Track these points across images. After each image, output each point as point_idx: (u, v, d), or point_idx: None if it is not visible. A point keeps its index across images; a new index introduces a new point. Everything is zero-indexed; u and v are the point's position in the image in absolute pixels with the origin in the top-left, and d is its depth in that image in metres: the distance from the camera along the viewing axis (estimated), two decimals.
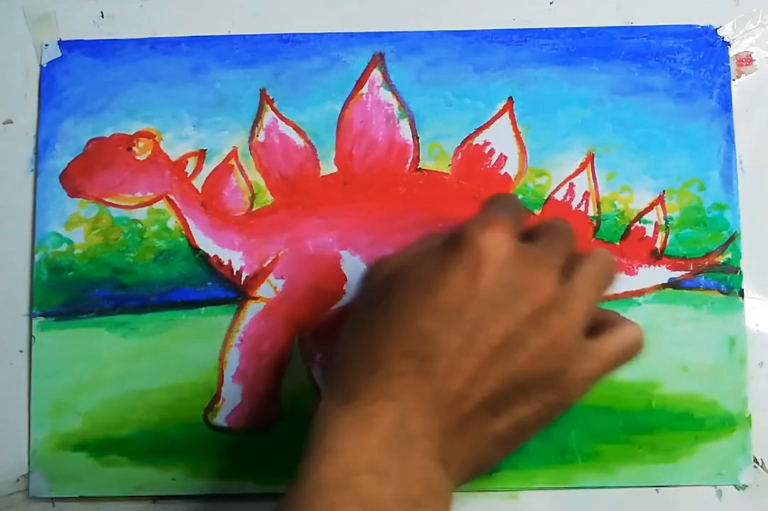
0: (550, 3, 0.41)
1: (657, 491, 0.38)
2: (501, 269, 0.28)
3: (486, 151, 0.40)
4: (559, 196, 0.40)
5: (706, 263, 0.39)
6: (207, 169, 0.40)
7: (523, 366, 0.28)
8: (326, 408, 0.29)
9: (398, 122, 0.40)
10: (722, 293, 0.39)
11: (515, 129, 0.40)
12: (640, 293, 0.39)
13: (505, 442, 0.29)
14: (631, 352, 0.31)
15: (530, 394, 0.29)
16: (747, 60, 0.41)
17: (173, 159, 0.40)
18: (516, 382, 0.28)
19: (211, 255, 0.40)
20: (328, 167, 0.40)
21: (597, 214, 0.40)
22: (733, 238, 0.39)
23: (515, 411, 0.29)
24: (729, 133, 0.40)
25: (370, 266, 0.32)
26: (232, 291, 0.39)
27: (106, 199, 0.40)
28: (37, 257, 0.40)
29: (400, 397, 0.28)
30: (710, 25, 0.41)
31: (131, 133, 0.40)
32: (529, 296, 0.28)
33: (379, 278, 0.31)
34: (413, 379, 0.28)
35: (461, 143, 0.40)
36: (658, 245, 0.39)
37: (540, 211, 0.40)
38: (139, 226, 0.40)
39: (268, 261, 0.40)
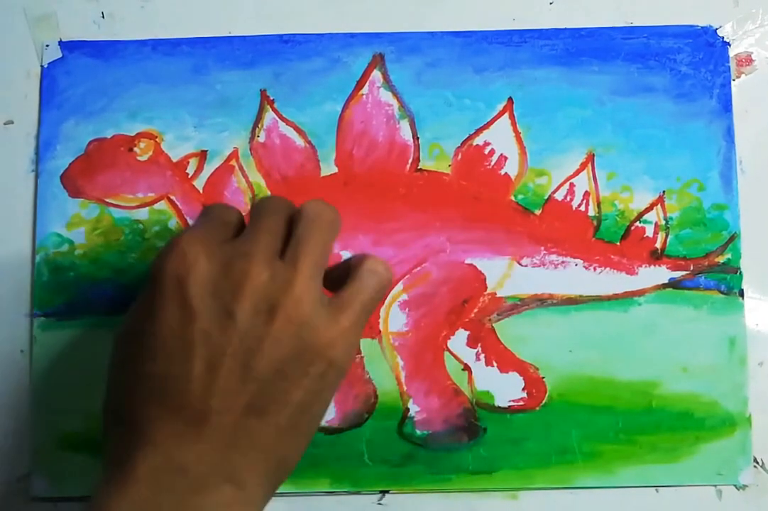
0: (550, 3, 0.41)
1: (657, 491, 0.38)
2: (203, 281, 0.28)
3: (486, 152, 0.40)
4: (559, 196, 0.40)
5: (706, 263, 0.39)
6: (208, 169, 0.40)
7: (272, 357, 0.28)
8: (95, 485, 0.29)
9: (398, 123, 0.40)
10: (722, 293, 0.39)
11: (515, 129, 0.40)
12: (640, 293, 0.39)
13: (293, 430, 0.29)
14: (381, 286, 0.31)
15: (295, 375, 0.28)
16: (747, 60, 0.41)
17: (174, 160, 0.40)
18: (270, 373, 0.28)
19: None
20: (329, 168, 0.40)
21: (597, 214, 0.40)
22: (733, 238, 0.39)
23: (287, 399, 0.28)
24: (729, 134, 0.40)
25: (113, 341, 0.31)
26: None
27: (107, 200, 0.40)
28: (38, 258, 0.40)
29: (158, 440, 0.28)
30: (710, 26, 0.41)
31: (132, 134, 0.40)
32: (243, 291, 0.28)
33: (117, 347, 0.30)
34: (165, 420, 0.28)
35: (461, 144, 0.40)
36: (658, 245, 0.39)
37: (540, 212, 0.40)
38: (141, 226, 0.40)
39: None
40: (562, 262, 0.39)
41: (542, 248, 0.39)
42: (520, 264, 0.39)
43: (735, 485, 0.38)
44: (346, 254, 0.39)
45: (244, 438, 0.28)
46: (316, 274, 0.29)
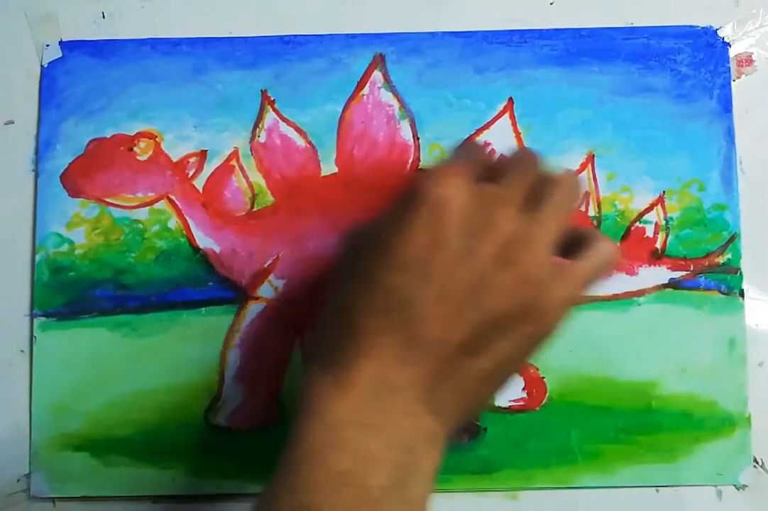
0: (551, 4, 0.41)
1: (657, 491, 0.39)
2: (459, 214, 0.29)
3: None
4: None
5: (707, 263, 0.39)
6: (208, 169, 0.40)
7: (496, 304, 0.29)
8: (309, 378, 0.30)
9: (399, 123, 0.40)
10: (722, 293, 0.39)
11: (516, 130, 0.40)
12: (640, 293, 0.39)
13: (492, 378, 0.30)
14: (605, 269, 0.31)
15: (508, 329, 0.29)
16: (747, 61, 0.41)
17: (174, 160, 0.40)
18: (491, 321, 0.29)
19: (212, 255, 0.40)
20: (329, 168, 0.40)
21: (597, 215, 0.40)
22: (733, 238, 0.39)
23: (496, 347, 0.29)
24: (729, 134, 0.40)
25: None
26: (233, 291, 0.39)
27: (107, 200, 0.40)
28: (38, 257, 0.40)
29: (378, 353, 0.28)
30: (710, 26, 0.41)
31: (132, 133, 0.40)
32: (491, 235, 0.29)
33: (348, 249, 0.32)
34: (388, 334, 0.29)
35: None
36: (658, 246, 0.39)
37: None
38: (140, 226, 0.40)
39: (269, 261, 0.40)
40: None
41: None
42: None
43: (735, 485, 0.39)
44: None
45: (453, 374, 0.29)
46: (555, 239, 0.30)
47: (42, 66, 0.41)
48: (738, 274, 0.39)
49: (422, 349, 0.28)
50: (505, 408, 0.39)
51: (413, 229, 0.29)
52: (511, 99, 0.40)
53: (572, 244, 0.31)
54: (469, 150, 0.33)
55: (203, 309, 0.39)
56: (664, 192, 0.40)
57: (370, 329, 0.29)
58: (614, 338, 0.39)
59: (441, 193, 0.29)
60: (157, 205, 0.40)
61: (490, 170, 0.31)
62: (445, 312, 0.28)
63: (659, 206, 0.40)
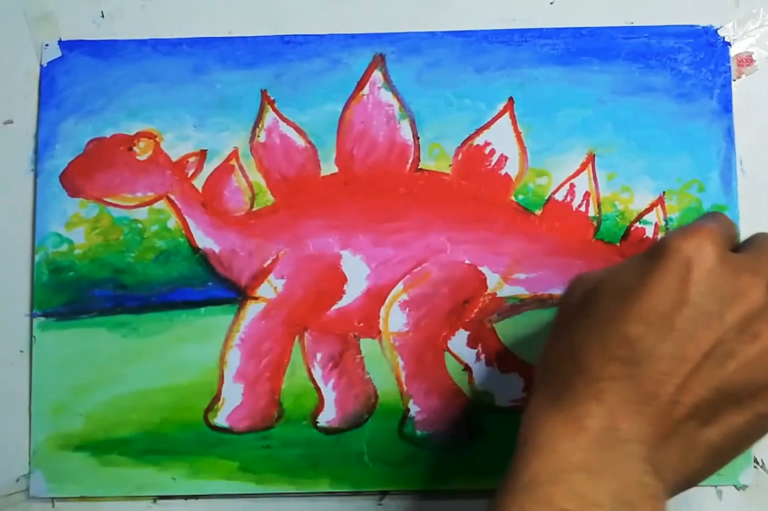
0: (551, 3, 0.41)
1: None
2: (708, 275, 0.28)
3: (486, 152, 0.40)
4: (559, 196, 0.40)
5: None
6: (208, 169, 0.40)
7: (733, 375, 0.28)
8: (535, 408, 0.29)
9: (399, 123, 0.40)
10: None
11: (516, 129, 0.40)
12: None
13: (718, 452, 0.29)
14: None
15: (742, 403, 0.28)
16: (747, 60, 0.41)
17: (174, 159, 0.40)
18: (726, 390, 0.28)
19: (212, 255, 0.40)
20: (329, 168, 0.40)
21: (597, 215, 0.40)
22: None
23: (727, 420, 0.29)
24: (729, 134, 0.40)
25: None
26: (233, 291, 0.39)
27: (107, 199, 0.40)
28: (37, 257, 0.40)
29: (610, 400, 0.28)
30: (711, 26, 0.41)
31: (132, 133, 0.40)
32: (739, 303, 0.28)
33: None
34: (622, 383, 0.28)
35: (462, 144, 0.40)
36: None
37: (540, 212, 0.40)
38: (140, 226, 0.40)
39: (269, 261, 0.40)
40: (562, 262, 0.39)
41: (542, 249, 0.39)
42: (520, 264, 0.39)
43: (735, 485, 0.38)
44: (345, 254, 0.39)
45: (680, 438, 0.28)
46: None
47: (41, 66, 0.41)
48: None
49: (654, 406, 0.28)
50: (505, 408, 0.39)
51: (659, 282, 0.28)
52: (511, 98, 0.40)
53: None
54: (715, 216, 0.32)
55: (203, 309, 0.39)
56: (664, 192, 0.40)
57: (603, 375, 0.28)
58: None
59: (693, 249, 0.28)
60: (156, 205, 0.40)
61: (735, 241, 0.31)
62: (682, 372, 0.28)
63: (659, 207, 0.40)
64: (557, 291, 0.39)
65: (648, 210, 0.40)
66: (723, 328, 0.28)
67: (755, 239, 0.32)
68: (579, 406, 0.28)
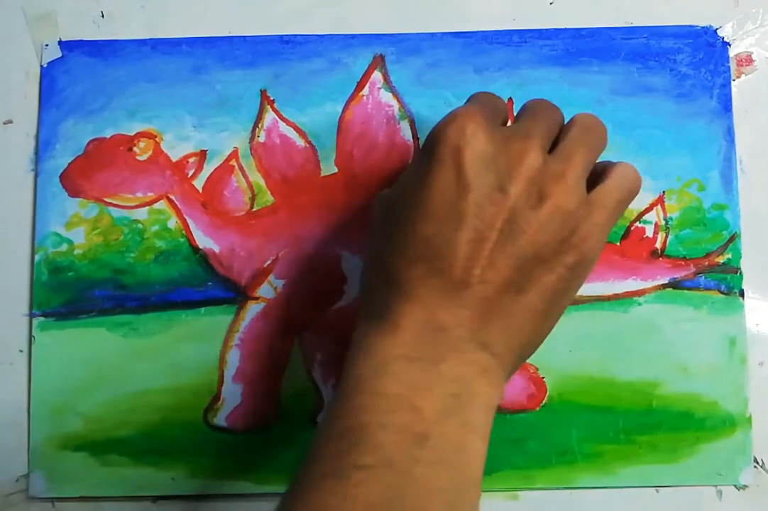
0: (550, 3, 0.41)
1: (657, 491, 0.39)
2: (480, 154, 0.29)
3: None
4: None
5: (707, 263, 0.39)
6: (207, 169, 0.40)
7: (533, 239, 0.29)
8: (359, 330, 0.30)
9: (399, 123, 0.40)
10: (722, 293, 0.39)
11: None
12: (640, 293, 0.39)
13: (542, 314, 0.30)
14: (632, 190, 0.32)
15: (548, 262, 0.29)
16: (747, 60, 0.41)
17: (174, 159, 0.40)
18: (530, 255, 0.29)
19: (212, 255, 0.40)
20: (329, 168, 0.40)
21: None
22: (733, 238, 0.39)
23: (539, 282, 0.29)
24: (729, 134, 0.40)
25: (372, 203, 0.33)
26: (232, 291, 0.39)
27: (107, 200, 0.40)
28: (37, 257, 0.40)
29: (422, 297, 0.29)
30: (710, 26, 0.41)
31: (132, 133, 0.40)
32: (517, 171, 0.29)
33: (378, 210, 0.32)
34: (430, 280, 0.29)
35: None
36: (658, 245, 0.39)
37: None
38: (140, 226, 0.40)
39: (269, 261, 0.40)
40: None
41: None
42: None
43: (735, 485, 0.38)
44: (345, 254, 0.39)
45: (500, 312, 0.29)
46: (584, 174, 0.30)
47: (41, 66, 0.41)
48: (738, 274, 0.39)
49: (465, 290, 0.29)
50: (505, 408, 0.39)
51: (437, 176, 0.29)
52: (510, 99, 0.40)
53: (594, 179, 0.31)
54: (479, 96, 0.33)
55: (202, 309, 0.39)
56: (663, 192, 0.40)
57: (411, 278, 0.29)
58: (614, 338, 0.39)
59: (455, 138, 0.29)
60: (156, 205, 0.40)
61: (505, 118, 0.32)
62: (485, 253, 0.29)
63: (659, 206, 0.40)
64: None
65: (648, 209, 0.40)
66: (510, 199, 0.29)
67: (525, 106, 0.33)
68: (394, 311, 0.29)
